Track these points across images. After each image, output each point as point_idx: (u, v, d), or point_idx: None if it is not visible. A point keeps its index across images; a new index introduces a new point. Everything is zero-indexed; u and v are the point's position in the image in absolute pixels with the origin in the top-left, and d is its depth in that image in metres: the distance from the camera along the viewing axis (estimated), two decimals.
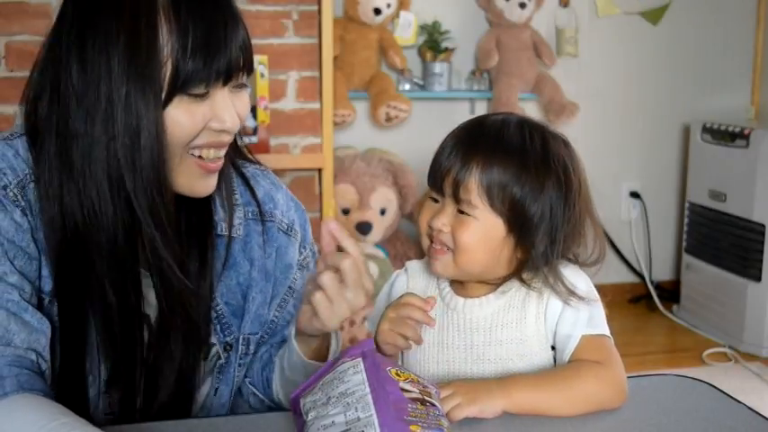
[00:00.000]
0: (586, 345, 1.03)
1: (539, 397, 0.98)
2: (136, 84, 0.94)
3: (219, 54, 0.97)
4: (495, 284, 1.08)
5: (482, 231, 1.02)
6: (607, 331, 1.05)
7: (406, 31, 3.19)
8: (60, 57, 0.98)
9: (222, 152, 1.05)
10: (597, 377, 1.00)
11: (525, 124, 1.05)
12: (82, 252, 0.99)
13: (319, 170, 2.78)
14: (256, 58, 2.83)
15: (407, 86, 3.24)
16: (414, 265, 1.17)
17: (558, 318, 1.05)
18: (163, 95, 0.96)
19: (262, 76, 2.68)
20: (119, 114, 0.95)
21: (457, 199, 1.02)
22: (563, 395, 0.99)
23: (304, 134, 2.78)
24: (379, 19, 3.09)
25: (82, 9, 0.98)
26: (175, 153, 1.01)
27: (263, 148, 2.71)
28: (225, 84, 1.00)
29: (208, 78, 0.98)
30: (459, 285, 1.11)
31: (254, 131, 2.72)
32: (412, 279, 1.15)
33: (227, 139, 1.05)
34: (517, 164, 1.01)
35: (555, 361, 1.07)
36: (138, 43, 0.95)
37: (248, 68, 1.03)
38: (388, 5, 3.10)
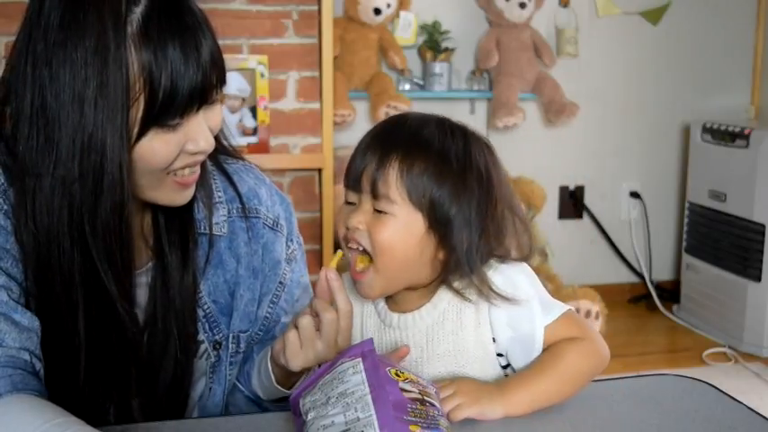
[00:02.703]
0: (553, 331, 1.01)
1: (535, 392, 0.98)
2: (104, 124, 0.91)
3: (193, 83, 0.94)
4: (426, 294, 1.05)
5: (401, 228, 0.98)
6: (563, 307, 1.03)
7: (406, 31, 3.19)
8: (26, 79, 0.94)
9: (198, 167, 1.04)
10: (581, 352, 1.00)
11: (446, 123, 1.03)
12: (50, 272, 0.98)
13: (319, 170, 2.78)
14: (256, 57, 2.81)
15: (407, 86, 3.24)
16: (347, 280, 1.09)
17: (506, 320, 1.02)
18: (135, 131, 0.94)
19: (262, 76, 2.68)
20: (84, 154, 0.92)
21: (375, 194, 0.98)
22: (556, 382, 0.99)
23: (304, 134, 2.78)
24: (379, 19, 3.09)
25: (47, 40, 0.93)
26: (152, 178, 0.99)
27: (263, 148, 2.71)
28: (199, 109, 0.98)
29: (183, 109, 0.95)
30: (392, 300, 1.08)
31: (254, 131, 2.72)
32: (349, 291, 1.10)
33: (203, 157, 1.03)
34: (438, 160, 0.98)
35: (509, 364, 1.05)
36: (105, 80, 0.91)
37: (221, 82, 1.00)
38: (388, 5, 3.10)
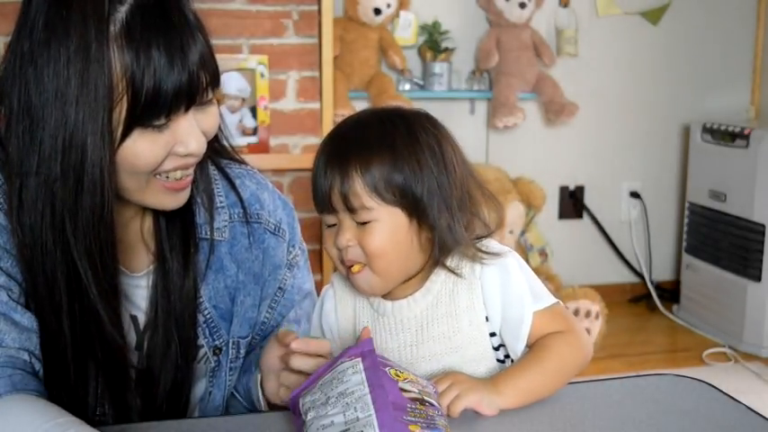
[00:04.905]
0: (541, 320, 1.03)
1: (527, 385, 1.00)
2: (84, 123, 0.91)
3: (178, 83, 0.93)
4: (419, 279, 1.07)
5: (388, 229, 1.01)
6: (553, 299, 1.06)
7: (406, 31, 3.19)
8: (15, 79, 0.94)
9: (190, 170, 1.03)
10: (569, 346, 1.02)
11: (383, 114, 1.06)
12: (32, 271, 0.98)
13: None
14: (256, 57, 2.80)
15: (407, 86, 3.24)
16: (339, 277, 1.12)
17: (500, 301, 1.04)
18: (119, 131, 0.93)
19: (262, 76, 2.68)
20: (66, 153, 0.92)
21: (351, 209, 1.00)
22: (547, 375, 1.01)
23: (304, 134, 2.78)
24: (379, 19, 3.09)
25: (33, 38, 0.93)
26: (139, 180, 0.98)
27: (263, 148, 2.71)
28: (187, 109, 0.97)
29: (168, 110, 0.94)
30: None
31: (254, 131, 2.72)
32: (338, 291, 1.12)
33: (194, 160, 1.02)
34: (390, 152, 1.00)
35: (503, 344, 1.07)
36: (87, 79, 0.90)
37: (213, 84, 0.98)
38: (388, 5, 3.10)
